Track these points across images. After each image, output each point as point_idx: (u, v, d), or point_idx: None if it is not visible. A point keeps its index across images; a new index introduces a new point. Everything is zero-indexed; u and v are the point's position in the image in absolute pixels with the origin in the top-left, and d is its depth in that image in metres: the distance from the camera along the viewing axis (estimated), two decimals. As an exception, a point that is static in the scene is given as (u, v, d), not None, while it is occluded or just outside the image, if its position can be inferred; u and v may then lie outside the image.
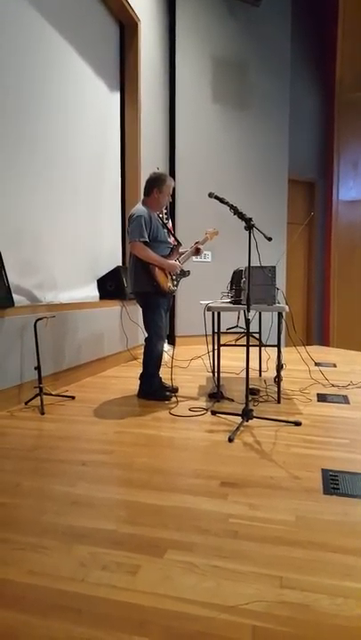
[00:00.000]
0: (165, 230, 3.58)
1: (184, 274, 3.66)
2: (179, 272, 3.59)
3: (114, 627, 1.18)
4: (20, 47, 3.54)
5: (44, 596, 1.30)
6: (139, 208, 3.44)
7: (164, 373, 3.70)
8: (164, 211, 3.74)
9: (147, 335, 3.53)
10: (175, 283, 3.57)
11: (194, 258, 3.84)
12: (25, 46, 3.60)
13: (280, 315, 3.47)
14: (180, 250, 3.67)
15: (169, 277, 3.49)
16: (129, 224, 3.40)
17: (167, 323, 3.78)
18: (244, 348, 2.99)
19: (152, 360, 3.52)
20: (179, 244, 3.64)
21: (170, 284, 3.48)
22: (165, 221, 3.65)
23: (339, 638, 1.15)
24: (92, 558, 1.48)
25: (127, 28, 5.42)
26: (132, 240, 3.33)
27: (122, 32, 5.42)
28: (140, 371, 3.61)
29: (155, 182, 3.49)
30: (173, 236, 3.67)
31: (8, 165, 3.44)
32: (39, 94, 3.80)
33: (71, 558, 1.48)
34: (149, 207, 3.46)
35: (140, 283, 3.42)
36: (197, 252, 3.77)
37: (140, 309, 3.59)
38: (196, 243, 3.77)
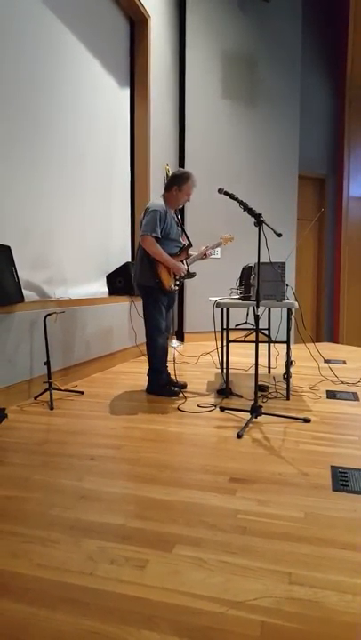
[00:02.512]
0: (179, 229, 3.56)
1: (190, 275, 3.63)
2: (184, 274, 3.56)
3: (122, 620, 1.18)
4: (30, 43, 3.54)
5: (52, 589, 1.31)
6: (156, 202, 3.43)
7: (169, 369, 3.69)
8: None
9: (146, 330, 3.52)
10: (178, 283, 3.55)
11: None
12: (35, 42, 3.60)
13: (289, 311, 3.45)
14: (190, 252, 3.65)
15: (172, 276, 3.47)
16: (144, 216, 3.39)
17: (170, 319, 3.77)
18: (253, 344, 2.97)
19: (156, 355, 3.52)
20: (190, 244, 3.62)
21: (172, 284, 3.46)
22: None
23: (348, 635, 1.14)
24: (100, 552, 1.48)
25: (137, 24, 5.41)
26: (144, 234, 3.32)
27: (132, 28, 5.41)
28: (149, 367, 3.61)
29: (176, 179, 3.47)
30: (186, 236, 3.64)
31: (18, 162, 3.45)
32: (49, 90, 3.80)
33: (79, 552, 1.48)
34: (167, 203, 3.44)
35: (143, 276, 3.42)
36: (205, 255, 3.73)
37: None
38: (206, 247, 3.74)
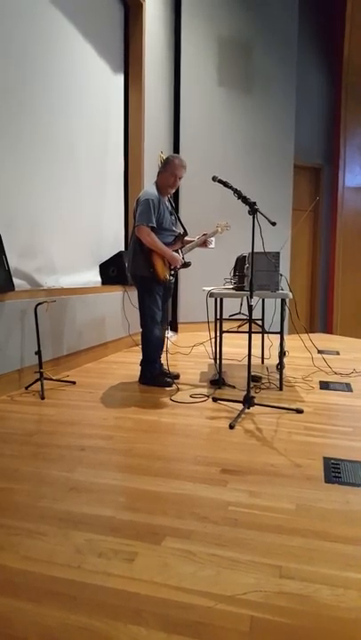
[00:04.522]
0: (173, 217, 3.50)
1: (185, 265, 3.57)
2: (180, 265, 3.50)
3: (109, 615, 1.16)
4: (23, 27, 3.45)
5: (38, 582, 1.29)
6: (148, 191, 3.36)
7: (162, 360, 3.66)
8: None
9: (141, 320, 3.48)
10: (173, 273, 3.50)
11: (197, 248, 3.73)
12: (27, 26, 3.50)
13: (283, 301, 3.43)
14: (186, 239, 3.59)
15: (167, 266, 3.42)
16: (137, 206, 3.33)
17: (167, 310, 3.73)
18: (247, 334, 2.95)
19: (151, 346, 3.48)
20: (185, 232, 3.56)
21: (167, 274, 3.41)
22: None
23: (339, 630, 1.13)
24: (88, 545, 1.46)
25: (132, 8, 5.30)
26: (140, 224, 3.26)
27: (126, 12, 5.30)
28: (142, 357, 3.58)
29: (162, 164, 3.43)
30: (181, 224, 3.58)
31: (9, 147, 3.37)
32: (41, 75, 3.72)
33: (67, 544, 1.46)
34: (159, 189, 3.38)
35: (137, 266, 3.37)
36: (204, 244, 3.67)
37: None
38: (204, 234, 3.67)
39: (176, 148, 6.34)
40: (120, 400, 3.15)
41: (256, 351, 4.27)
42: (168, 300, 3.68)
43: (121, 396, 3.24)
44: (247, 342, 2.92)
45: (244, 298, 3.54)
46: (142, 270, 3.34)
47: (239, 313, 4.03)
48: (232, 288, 3.71)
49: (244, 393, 2.88)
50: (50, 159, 3.89)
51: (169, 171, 3.38)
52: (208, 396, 3.19)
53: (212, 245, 3.77)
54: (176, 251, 3.48)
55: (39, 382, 3.18)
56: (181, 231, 3.55)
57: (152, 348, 3.49)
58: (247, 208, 2.81)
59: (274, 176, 6.78)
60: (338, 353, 4.98)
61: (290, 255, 6.90)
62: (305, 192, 7.56)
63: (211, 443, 2.39)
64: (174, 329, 6.46)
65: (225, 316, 3.79)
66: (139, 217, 3.27)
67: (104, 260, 4.88)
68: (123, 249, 5.26)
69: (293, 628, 1.13)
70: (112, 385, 3.52)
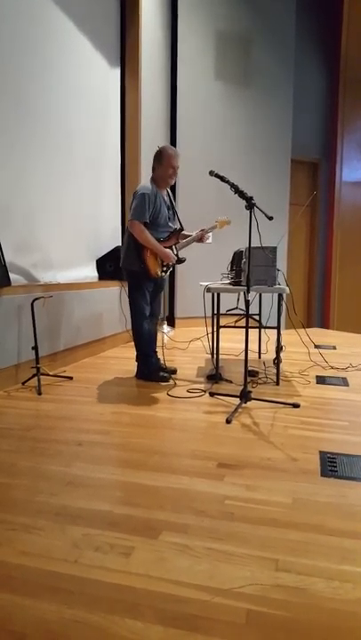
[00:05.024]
0: (171, 212, 3.47)
1: (179, 261, 3.54)
2: (173, 263, 3.49)
3: (106, 609, 1.17)
4: (17, 21, 3.42)
5: (35, 577, 1.29)
6: (145, 185, 3.35)
7: (159, 355, 3.66)
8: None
9: (130, 315, 3.48)
10: (165, 269, 3.48)
11: (195, 243, 3.70)
12: (22, 19, 3.47)
13: (280, 296, 3.43)
14: (184, 233, 3.56)
15: (159, 262, 3.40)
16: (133, 200, 3.32)
17: (160, 305, 3.72)
18: (244, 329, 2.95)
19: (142, 340, 3.48)
20: (181, 228, 3.53)
21: (158, 270, 3.39)
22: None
23: (335, 622, 1.13)
24: (85, 539, 1.46)
25: (128, 1, 5.25)
26: (132, 219, 3.25)
27: (123, 5, 5.25)
28: (136, 352, 3.58)
29: (155, 157, 3.40)
30: (178, 219, 3.56)
31: (6, 142, 3.35)
32: (36, 69, 3.68)
33: (64, 539, 1.46)
34: (157, 183, 3.37)
35: (128, 260, 3.36)
36: (201, 239, 3.63)
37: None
38: (202, 230, 3.64)
39: (173, 143, 6.31)
40: (117, 395, 3.15)
41: (253, 346, 4.28)
42: (158, 296, 3.66)
43: (118, 392, 3.24)
44: (244, 337, 2.92)
45: (242, 293, 3.54)
46: (133, 264, 3.33)
47: (236, 308, 4.03)
48: (229, 283, 3.70)
49: (241, 388, 2.89)
50: (47, 154, 3.87)
51: (165, 163, 3.35)
52: (205, 391, 3.19)
53: (210, 240, 3.75)
54: (170, 247, 3.46)
55: (36, 377, 3.17)
56: (178, 227, 3.53)
57: (144, 342, 3.49)
58: (244, 203, 2.80)
59: (271, 171, 6.76)
60: (335, 348, 4.99)
61: (287, 250, 6.89)
62: (302, 187, 7.54)
63: (208, 437, 2.39)
64: (171, 324, 6.46)
65: (222, 311, 3.79)
66: (132, 211, 3.25)
67: (101, 255, 4.87)
68: (120, 244, 5.23)
69: (289, 620, 1.14)
70: (109, 380, 3.52)
